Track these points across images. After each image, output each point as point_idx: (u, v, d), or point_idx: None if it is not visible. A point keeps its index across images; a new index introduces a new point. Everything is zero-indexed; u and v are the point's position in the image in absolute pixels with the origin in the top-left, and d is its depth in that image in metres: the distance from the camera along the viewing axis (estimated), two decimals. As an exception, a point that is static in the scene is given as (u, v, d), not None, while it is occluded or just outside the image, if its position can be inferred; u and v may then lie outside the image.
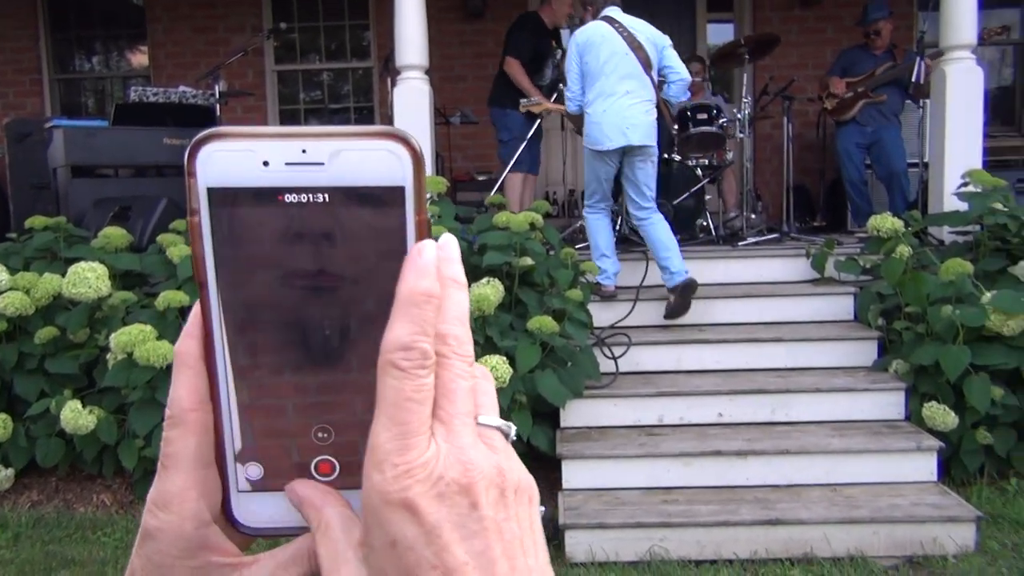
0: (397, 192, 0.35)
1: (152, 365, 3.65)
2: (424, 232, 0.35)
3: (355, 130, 0.35)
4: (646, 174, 4.69)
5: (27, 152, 5.82)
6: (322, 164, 0.34)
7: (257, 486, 0.38)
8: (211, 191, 0.34)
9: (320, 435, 0.37)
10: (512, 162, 5.88)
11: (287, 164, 0.34)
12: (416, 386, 0.33)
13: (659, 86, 4.71)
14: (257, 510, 0.38)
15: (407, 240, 0.35)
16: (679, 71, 4.68)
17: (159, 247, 4.46)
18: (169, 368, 3.53)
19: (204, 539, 0.37)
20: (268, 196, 0.34)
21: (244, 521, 0.38)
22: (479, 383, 0.37)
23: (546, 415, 4.09)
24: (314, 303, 0.36)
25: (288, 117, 9.21)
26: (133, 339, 3.70)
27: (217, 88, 5.76)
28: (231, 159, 0.34)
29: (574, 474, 3.83)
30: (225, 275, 0.35)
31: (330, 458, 0.37)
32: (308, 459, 0.37)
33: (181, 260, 4.23)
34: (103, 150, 5.81)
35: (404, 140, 0.35)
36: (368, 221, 0.35)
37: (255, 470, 0.38)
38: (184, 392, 0.37)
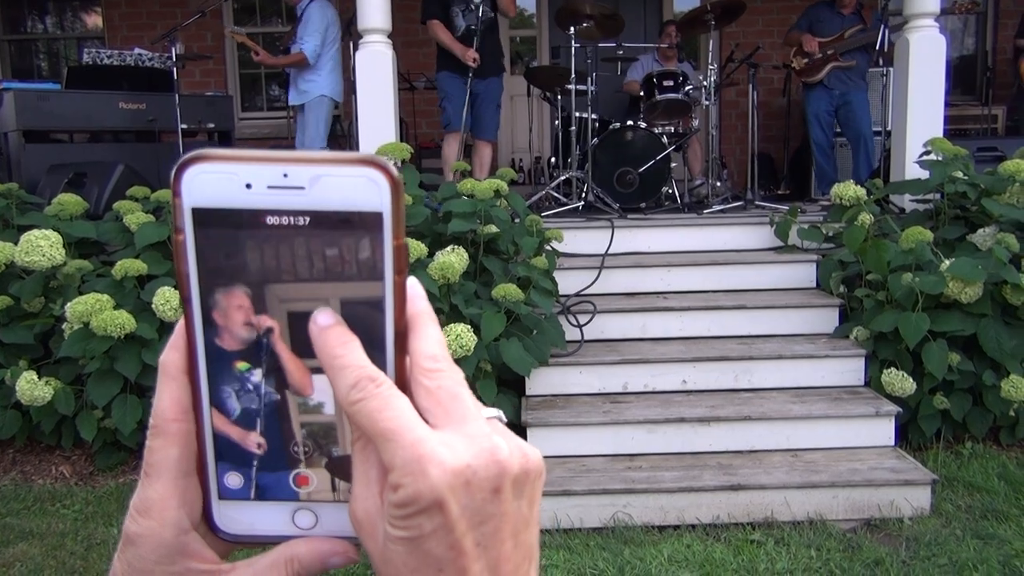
0: (375, 217, 0.36)
1: (110, 335, 3.58)
2: (401, 256, 0.37)
3: (335, 156, 0.36)
4: None
5: (-24, 116, 5.65)
6: (303, 188, 0.36)
7: (236, 495, 0.39)
8: (195, 211, 0.36)
9: (296, 449, 0.39)
10: (447, 123, 5.87)
11: (269, 187, 0.36)
12: (458, 379, 0.36)
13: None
14: (237, 518, 0.40)
15: (384, 264, 0.36)
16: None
17: (116, 214, 4.36)
18: (127, 337, 3.44)
19: (183, 546, 0.38)
20: (251, 217, 0.36)
21: (224, 528, 0.40)
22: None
23: (511, 383, 4.09)
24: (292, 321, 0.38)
25: (248, 81, 9.03)
26: (90, 308, 3.62)
27: (174, 51, 5.62)
28: (215, 180, 0.36)
29: (539, 442, 3.84)
30: (208, 291, 0.37)
31: (307, 472, 0.39)
32: (286, 471, 0.39)
33: (138, 227, 4.14)
34: (56, 114, 5.66)
35: (382, 167, 0.36)
36: (347, 244, 0.36)
37: (235, 479, 0.39)
38: (167, 403, 0.38)
